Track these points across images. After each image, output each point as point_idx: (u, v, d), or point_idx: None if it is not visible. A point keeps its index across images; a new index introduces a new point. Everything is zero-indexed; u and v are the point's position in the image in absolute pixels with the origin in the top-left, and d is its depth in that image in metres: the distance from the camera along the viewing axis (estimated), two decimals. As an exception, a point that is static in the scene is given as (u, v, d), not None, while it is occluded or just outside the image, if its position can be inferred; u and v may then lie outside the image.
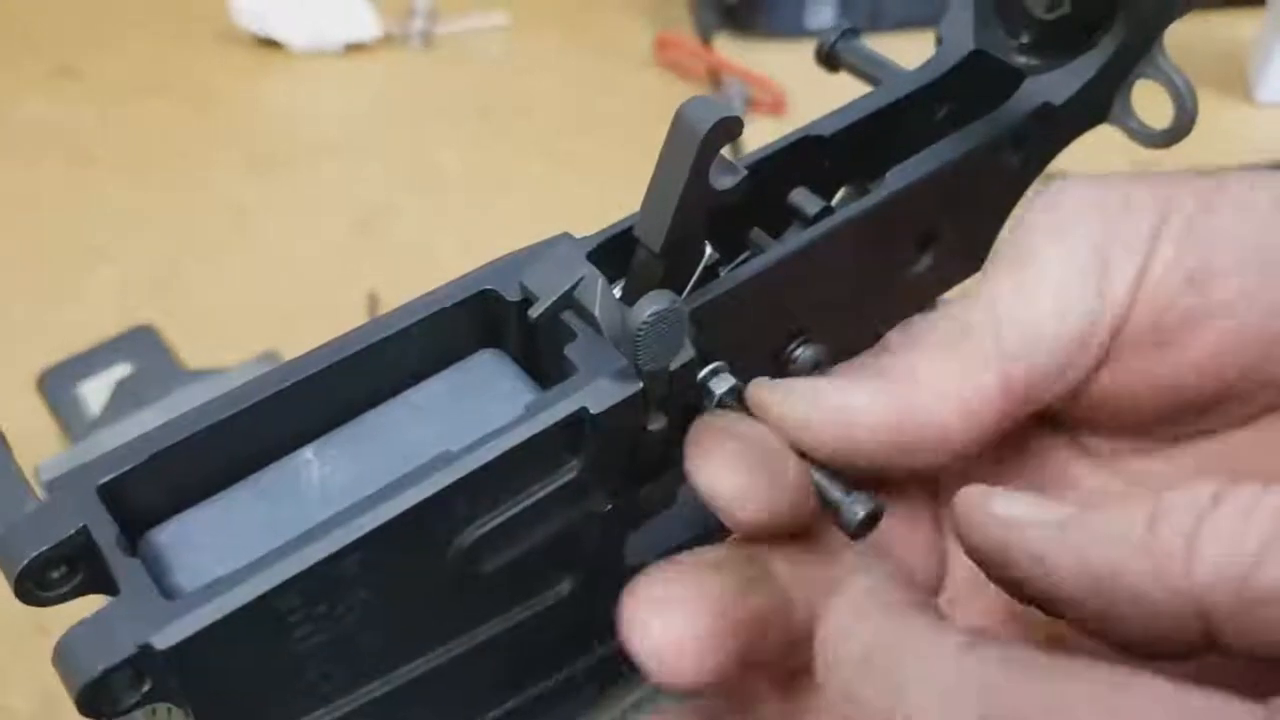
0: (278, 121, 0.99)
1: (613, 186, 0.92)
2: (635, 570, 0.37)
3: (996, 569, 0.29)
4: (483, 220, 0.87)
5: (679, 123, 0.30)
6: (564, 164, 0.91)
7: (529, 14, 1.05)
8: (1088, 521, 0.27)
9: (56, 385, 0.58)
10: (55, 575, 0.28)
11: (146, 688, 0.26)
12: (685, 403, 0.33)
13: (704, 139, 0.29)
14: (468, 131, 0.95)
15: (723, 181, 0.31)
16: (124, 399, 0.55)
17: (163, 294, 0.82)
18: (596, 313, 0.31)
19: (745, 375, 0.33)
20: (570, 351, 0.31)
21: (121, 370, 0.58)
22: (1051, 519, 0.28)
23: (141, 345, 0.61)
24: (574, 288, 0.31)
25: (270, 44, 1.01)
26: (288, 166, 0.93)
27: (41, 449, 0.64)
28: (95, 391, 0.57)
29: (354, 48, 1.01)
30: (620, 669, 0.36)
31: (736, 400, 0.32)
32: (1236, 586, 0.24)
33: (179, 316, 0.77)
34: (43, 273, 0.84)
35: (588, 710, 0.36)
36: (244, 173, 0.92)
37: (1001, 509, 0.29)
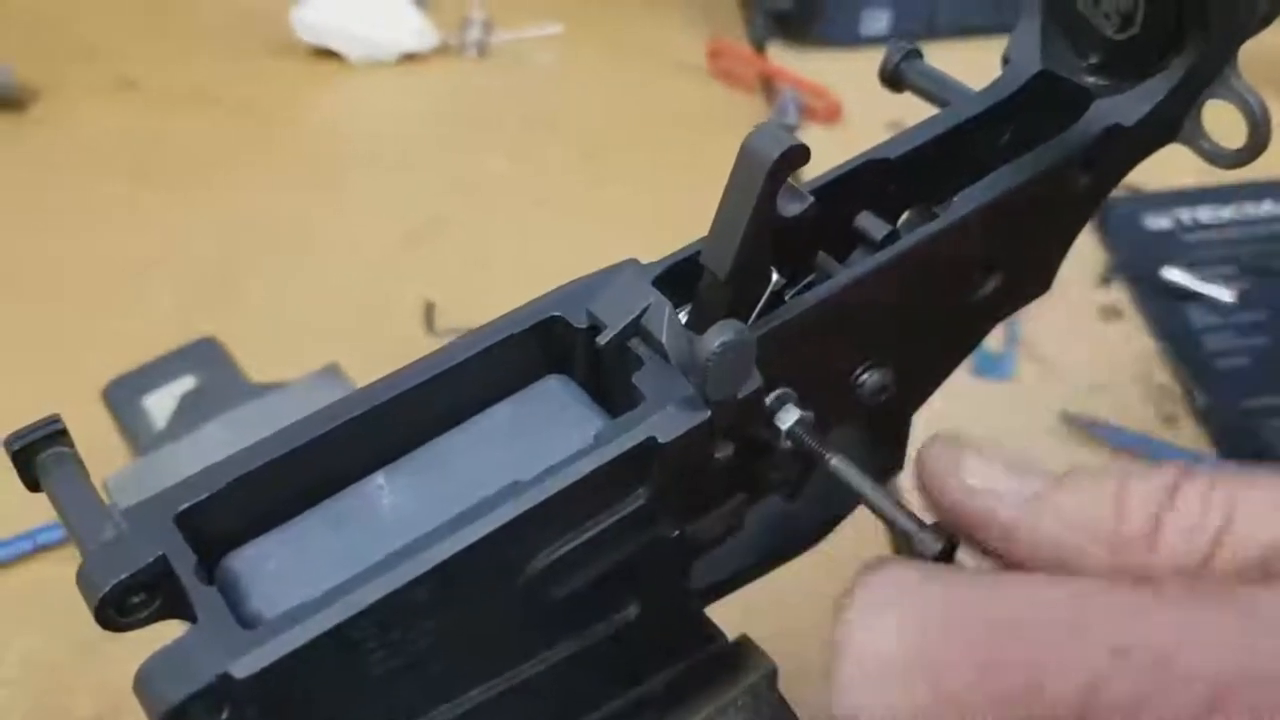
0: (334, 132, 1.00)
1: (666, 195, 0.92)
2: (701, 594, 0.38)
3: (963, 530, 0.29)
4: (538, 229, 0.87)
5: (745, 153, 0.30)
6: (618, 173, 0.91)
7: (582, 23, 1.05)
8: (1060, 505, 0.27)
9: (121, 397, 0.59)
10: (135, 601, 0.28)
11: (225, 716, 0.27)
12: (754, 433, 0.33)
13: (770, 170, 0.29)
14: (522, 140, 0.95)
15: (790, 208, 0.31)
16: (189, 412, 0.56)
17: (220, 304, 0.83)
18: (664, 340, 0.31)
19: (811, 401, 0.33)
20: (638, 379, 0.31)
21: (186, 383, 0.59)
22: (1023, 494, 0.28)
23: (205, 357, 0.61)
24: (641, 315, 0.31)
25: (327, 54, 1.02)
26: (344, 176, 0.94)
27: (105, 460, 0.65)
28: (160, 404, 0.58)
29: (409, 58, 1.02)
30: (683, 692, 0.36)
31: (805, 432, 0.32)
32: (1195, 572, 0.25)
33: (235, 327, 0.78)
34: (101, 283, 0.85)
35: (652, 734, 0.36)
36: (300, 183, 0.93)
37: (976, 479, 0.29)
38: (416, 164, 0.96)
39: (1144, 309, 0.76)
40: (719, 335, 0.29)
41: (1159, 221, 0.82)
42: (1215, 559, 0.25)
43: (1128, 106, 0.37)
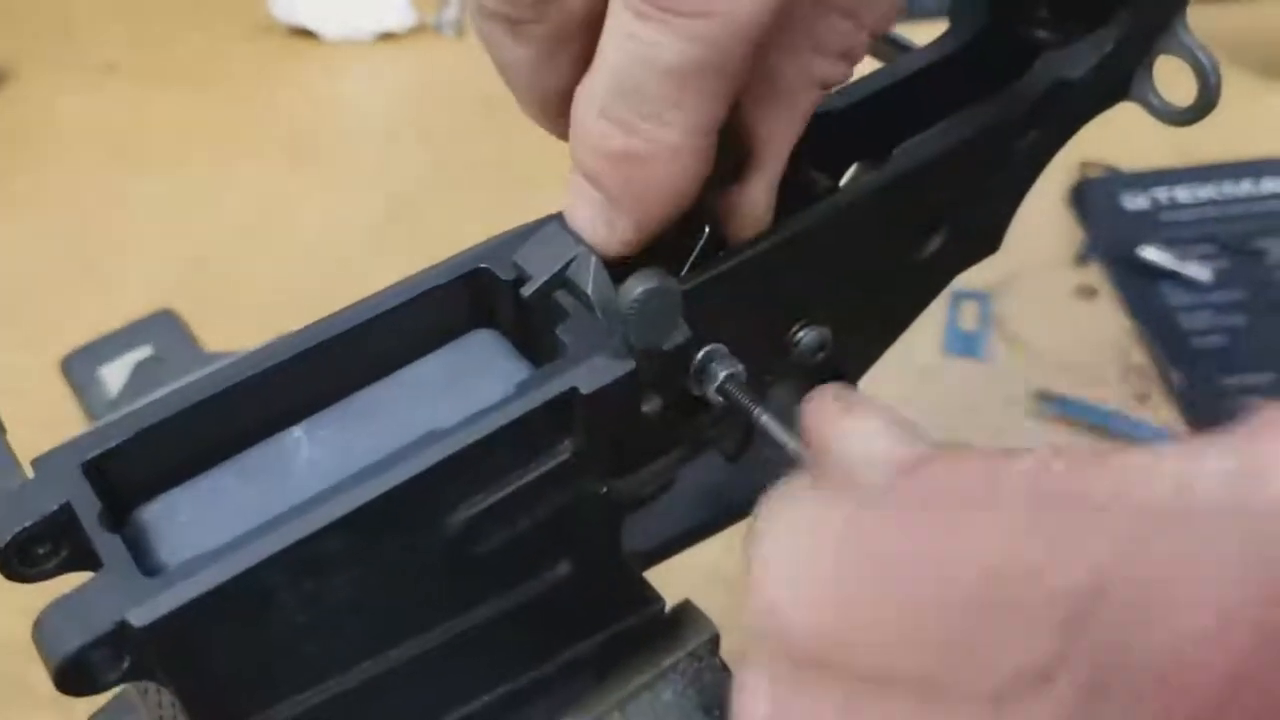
0: (310, 110, 0.99)
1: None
2: (639, 557, 0.37)
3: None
4: (514, 209, 0.86)
5: None
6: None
7: (561, 3, 1.05)
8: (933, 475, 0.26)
9: (79, 368, 0.58)
10: (40, 551, 0.28)
11: (126, 665, 0.26)
12: (683, 386, 0.32)
13: None
14: (500, 120, 0.94)
15: None
16: (142, 380, 0.56)
17: (198, 282, 0.82)
18: (589, 291, 0.30)
19: (746, 359, 0.32)
20: (562, 331, 0.31)
21: (142, 353, 0.58)
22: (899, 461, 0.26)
23: (162, 328, 0.61)
24: (566, 266, 0.31)
25: (303, 33, 1.01)
26: (320, 155, 0.94)
27: (70, 433, 0.65)
28: (115, 373, 0.57)
29: (386, 37, 1.01)
30: (619, 655, 0.36)
31: (736, 387, 0.31)
32: None
33: (213, 304, 0.77)
34: (81, 261, 0.85)
35: (585, 697, 0.36)
36: (276, 162, 0.92)
37: (855, 422, 0.27)
38: (394, 143, 0.95)
39: (1120, 288, 0.76)
40: (641, 283, 0.29)
41: (1136, 201, 0.81)
42: None
43: (1075, 60, 0.36)
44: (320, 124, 0.98)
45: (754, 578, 0.24)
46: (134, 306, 0.78)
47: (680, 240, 0.32)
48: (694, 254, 0.32)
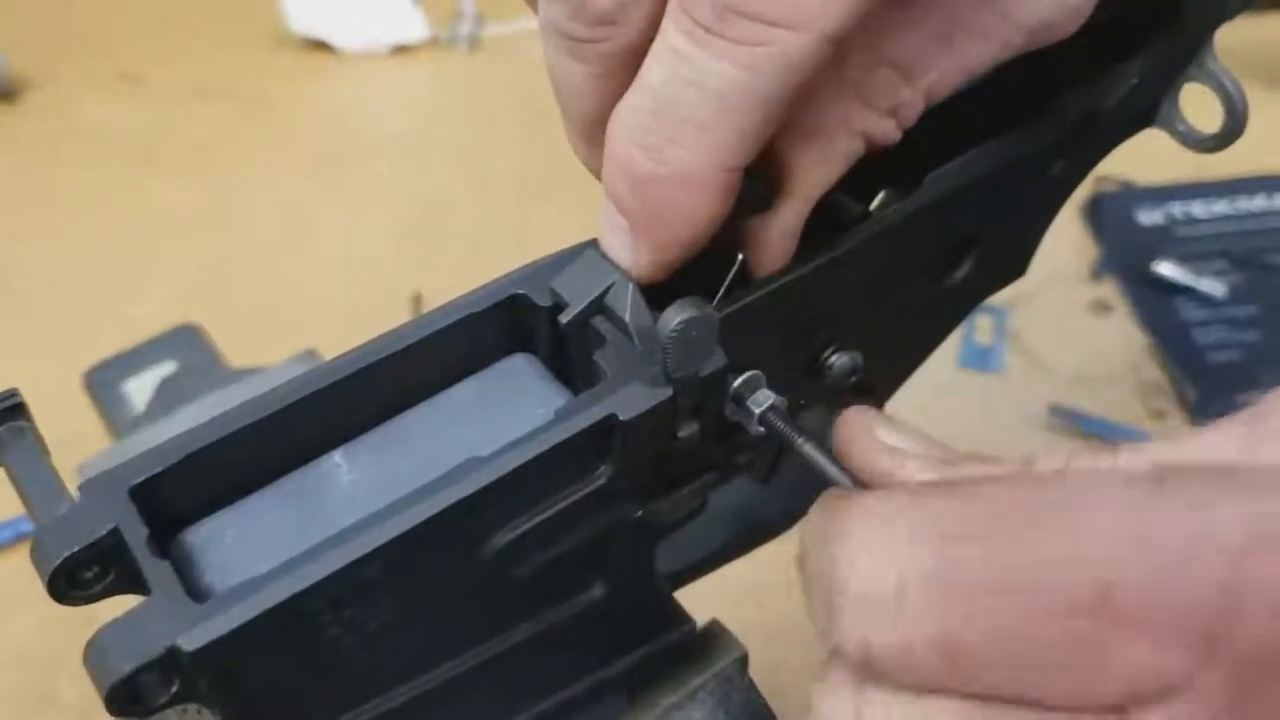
0: (327, 123, 1.00)
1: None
2: (669, 578, 0.37)
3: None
4: (528, 221, 0.87)
5: None
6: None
7: (576, 16, 1.05)
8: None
9: (101, 383, 0.59)
10: (88, 575, 0.28)
11: (175, 689, 0.26)
12: (719, 412, 0.32)
13: None
14: (513, 132, 0.95)
15: None
16: (167, 397, 0.56)
17: (216, 293, 0.83)
18: (627, 318, 0.31)
19: (778, 384, 0.32)
20: (600, 357, 0.31)
21: (166, 368, 0.59)
22: (929, 457, 0.28)
23: (185, 343, 0.61)
24: (604, 293, 0.31)
25: (320, 46, 1.02)
26: (337, 167, 0.94)
27: (92, 448, 0.65)
28: (140, 389, 0.58)
29: (401, 50, 1.02)
30: (649, 676, 0.36)
31: (778, 417, 0.31)
32: None
33: (231, 315, 0.78)
34: (100, 273, 0.86)
35: (615, 718, 0.36)
36: (294, 173, 0.93)
37: (887, 438, 0.28)
38: (409, 156, 0.95)
39: (1135, 303, 0.76)
40: (680, 312, 0.29)
41: (1151, 216, 0.81)
42: None
43: (1103, 90, 0.36)
44: (337, 136, 0.98)
45: (834, 599, 0.24)
46: (155, 317, 0.79)
47: (715, 267, 0.32)
48: (726, 282, 0.32)
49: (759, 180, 0.31)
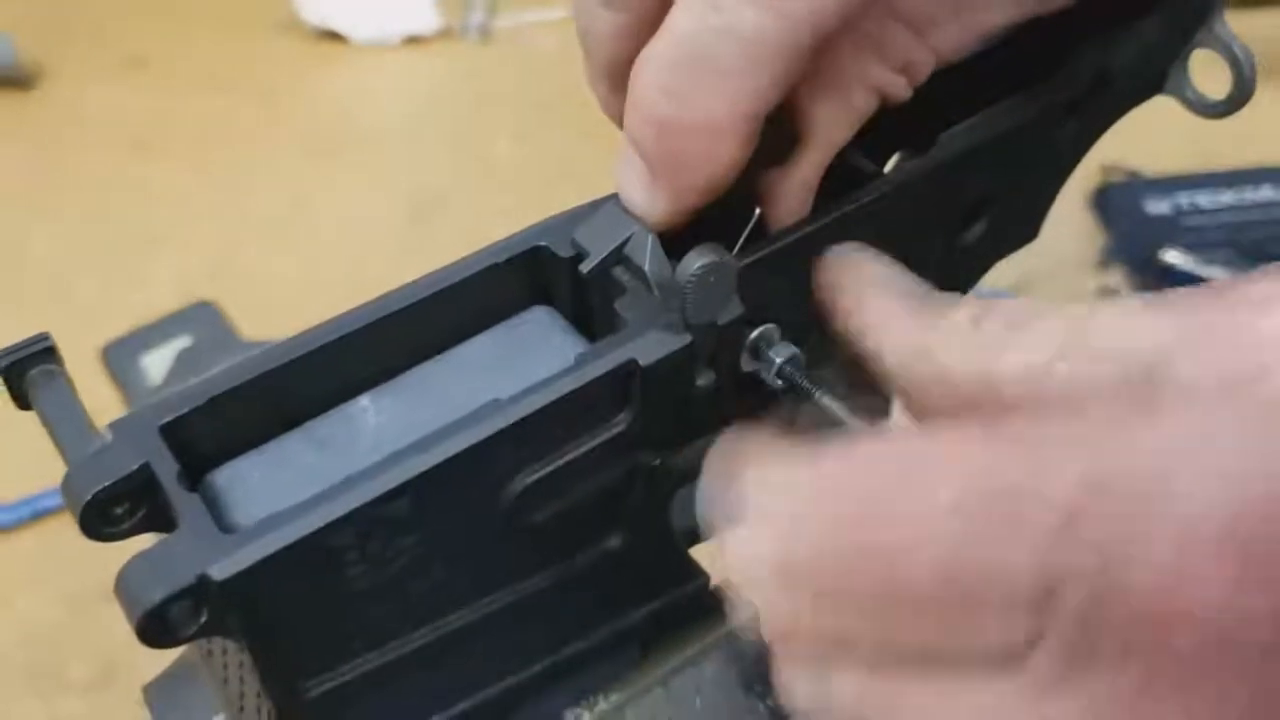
0: (336, 112, 1.01)
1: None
2: (682, 533, 0.38)
3: (850, 343, 0.29)
4: (537, 211, 0.88)
5: None
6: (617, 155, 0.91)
7: (585, 8, 1.06)
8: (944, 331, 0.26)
9: (119, 357, 0.59)
10: (119, 511, 0.29)
11: (204, 619, 0.27)
12: (735, 364, 0.33)
13: None
14: (524, 123, 0.96)
15: None
16: (185, 368, 0.57)
17: (221, 279, 0.83)
18: (646, 267, 0.31)
19: (792, 335, 0.33)
20: (620, 306, 0.31)
21: (182, 342, 0.59)
22: (909, 345, 0.27)
23: (202, 319, 0.62)
24: (624, 243, 0.32)
25: (330, 36, 1.03)
26: (345, 156, 0.95)
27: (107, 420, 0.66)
28: (157, 362, 0.58)
29: (412, 40, 1.02)
30: (663, 629, 0.36)
31: (796, 369, 0.32)
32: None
33: (236, 301, 0.78)
34: (107, 256, 0.86)
35: (629, 670, 0.36)
36: (302, 161, 0.94)
37: (871, 316, 0.28)
38: (419, 145, 0.96)
39: (1141, 291, 0.76)
40: (700, 257, 0.29)
41: (1158, 206, 0.82)
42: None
43: (1116, 51, 0.37)
44: (346, 124, 0.99)
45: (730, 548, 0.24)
46: (162, 300, 0.79)
47: (733, 219, 0.33)
48: (745, 234, 0.33)
49: (778, 131, 0.32)
